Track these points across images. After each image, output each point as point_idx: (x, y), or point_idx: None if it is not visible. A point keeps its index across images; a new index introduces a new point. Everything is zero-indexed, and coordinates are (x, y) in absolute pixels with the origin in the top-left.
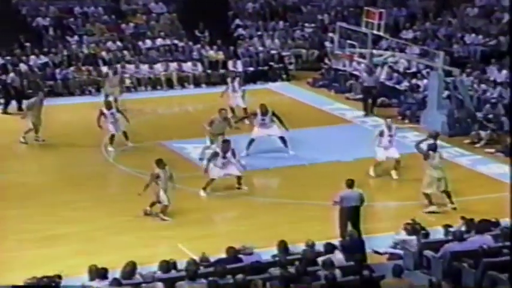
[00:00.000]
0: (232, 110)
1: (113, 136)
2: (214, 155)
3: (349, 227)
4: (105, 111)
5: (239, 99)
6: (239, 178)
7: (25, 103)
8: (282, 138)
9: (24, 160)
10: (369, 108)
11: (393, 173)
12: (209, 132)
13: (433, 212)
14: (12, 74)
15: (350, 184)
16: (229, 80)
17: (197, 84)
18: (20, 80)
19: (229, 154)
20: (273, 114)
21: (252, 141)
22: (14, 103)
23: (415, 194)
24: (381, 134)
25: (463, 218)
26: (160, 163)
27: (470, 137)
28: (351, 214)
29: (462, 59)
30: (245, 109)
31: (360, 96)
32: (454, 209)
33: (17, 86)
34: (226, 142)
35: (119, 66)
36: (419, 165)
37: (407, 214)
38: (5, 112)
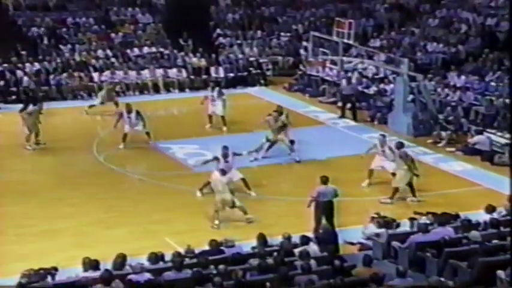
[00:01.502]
0: (210, 117)
1: (125, 135)
2: (215, 159)
3: (324, 221)
4: (124, 113)
5: (217, 107)
6: (245, 182)
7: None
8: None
9: (21, 160)
10: (345, 112)
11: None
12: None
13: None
14: (25, 78)
15: (325, 181)
16: (209, 89)
17: (181, 89)
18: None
19: (230, 158)
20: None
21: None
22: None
23: (382, 190)
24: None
25: (414, 212)
26: None
27: (433, 137)
28: (326, 208)
29: (425, 65)
30: (223, 117)
31: (333, 99)
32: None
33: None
34: (225, 148)
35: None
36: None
37: (375, 208)
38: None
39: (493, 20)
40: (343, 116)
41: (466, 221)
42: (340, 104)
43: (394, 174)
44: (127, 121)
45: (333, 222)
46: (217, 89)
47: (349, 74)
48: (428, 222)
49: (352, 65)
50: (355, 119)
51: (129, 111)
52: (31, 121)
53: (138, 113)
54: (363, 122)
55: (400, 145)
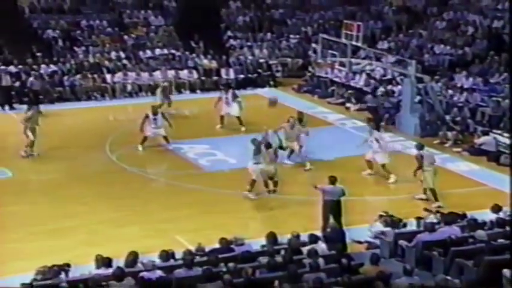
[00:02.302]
0: (222, 118)
1: (145, 138)
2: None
3: (331, 220)
4: (150, 115)
5: (232, 108)
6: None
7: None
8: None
9: (34, 159)
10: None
11: (391, 177)
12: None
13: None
14: (31, 78)
15: (333, 181)
16: (223, 91)
17: (193, 90)
18: (40, 83)
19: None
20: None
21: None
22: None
23: (387, 190)
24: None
25: (424, 209)
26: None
27: (439, 137)
28: (333, 207)
29: (432, 67)
30: (239, 117)
31: (341, 100)
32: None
33: (37, 90)
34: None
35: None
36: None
37: (382, 207)
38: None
39: (499, 23)
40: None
41: (472, 221)
42: (366, 114)
43: (383, 165)
44: (152, 123)
45: (341, 221)
46: (231, 90)
47: (363, 77)
48: (435, 221)
49: (360, 66)
50: (377, 129)
51: (154, 113)
52: (30, 126)
53: (163, 115)
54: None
55: (420, 147)
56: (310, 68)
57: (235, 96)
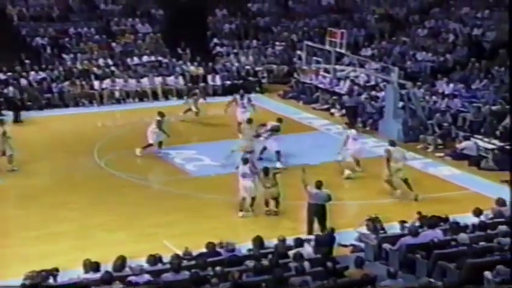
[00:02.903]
0: (240, 124)
1: (150, 145)
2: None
3: (316, 224)
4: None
5: (247, 114)
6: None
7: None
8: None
9: (24, 165)
10: (353, 123)
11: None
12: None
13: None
14: (11, 88)
15: (319, 185)
16: (238, 97)
17: (180, 96)
18: (19, 93)
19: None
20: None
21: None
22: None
23: (374, 194)
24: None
25: (419, 213)
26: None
27: (422, 142)
28: (317, 211)
29: (414, 73)
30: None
31: (326, 106)
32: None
33: (14, 99)
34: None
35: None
36: (378, 169)
37: (367, 211)
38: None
39: (479, 30)
40: (350, 127)
41: (454, 224)
42: (345, 117)
43: (358, 162)
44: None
45: (325, 225)
46: (246, 96)
47: (347, 83)
48: (418, 225)
49: (344, 73)
50: (352, 128)
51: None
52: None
53: (160, 124)
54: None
55: (391, 143)
56: (295, 75)
57: (249, 101)
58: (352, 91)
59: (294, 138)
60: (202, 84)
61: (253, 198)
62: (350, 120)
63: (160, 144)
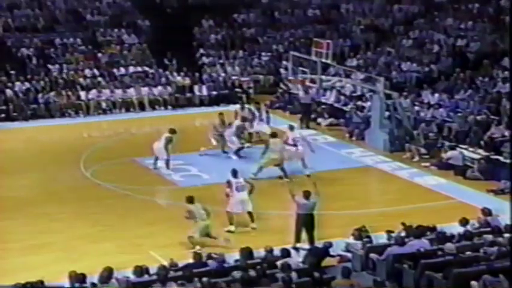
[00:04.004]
0: (257, 133)
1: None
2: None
3: (303, 234)
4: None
5: (263, 126)
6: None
7: None
8: None
9: (9, 175)
10: (305, 122)
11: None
12: None
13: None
14: None
15: (307, 195)
16: (254, 108)
17: (166, 106)
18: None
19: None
20: None
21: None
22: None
23: (360, 204)
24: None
25: (403, 224)
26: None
27: (408, 152)
28: (306, 221)
29: (400, 84)
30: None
31: (313, 116)
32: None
33: None
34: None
35: None
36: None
37: (355, 222)
38: None
39: (463, 41)
40: (307, 127)
41: (441, 234)
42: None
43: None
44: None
45: (313, 235)
46: (264, 107)
47: (333, 93)
48: (403, 235)
49: (330, 83)
50: (307, 127)
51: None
52: None
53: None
54: (341, 138)
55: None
56: (281, 85)
57: (267, 113)
58: (346, 105)
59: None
60: (188, 95)
61: (249, 213)
62: (303, 118)
63: (167, 163)
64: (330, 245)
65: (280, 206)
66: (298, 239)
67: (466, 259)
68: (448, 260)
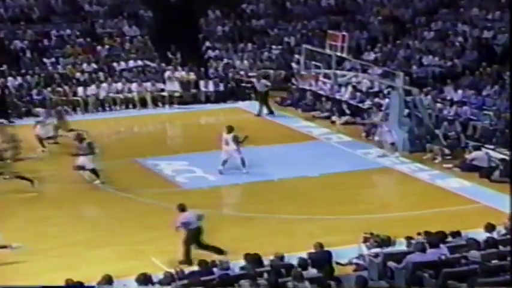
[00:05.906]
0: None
1: None
2: None
3: (193, 248)
4: None
5: None
6: None
7: None
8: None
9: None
10: (262, 108)
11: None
12: None
13: None
14: None
15: (183, 208)
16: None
17: (170, 103)
18: None
19: None
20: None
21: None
22: None
23: (375, 208)
24: None
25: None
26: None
27: (429, 152)
28: (196, 235)
29: (420, 79)
30: None
31: (326, 114)
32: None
33: None
34: None
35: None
36: (381, 182)
37: (374, 227)
38: None
39: (489, 33)
40: (259, 114)
41: (471, 240)
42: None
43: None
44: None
45: (205, 247)
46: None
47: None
48: (424, 241)
49: (346, 78)
50: (271, 112)
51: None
52: None
53: None
54: (358, 137)
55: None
56: (293, 80)
57: None
58: (362, 102)
59: (292, 149)
60: (193, 91)
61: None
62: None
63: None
64: (321, 246)
65: (287, 210)
66: (189, 259)
67: (492, 268)
68: (473, 269)
